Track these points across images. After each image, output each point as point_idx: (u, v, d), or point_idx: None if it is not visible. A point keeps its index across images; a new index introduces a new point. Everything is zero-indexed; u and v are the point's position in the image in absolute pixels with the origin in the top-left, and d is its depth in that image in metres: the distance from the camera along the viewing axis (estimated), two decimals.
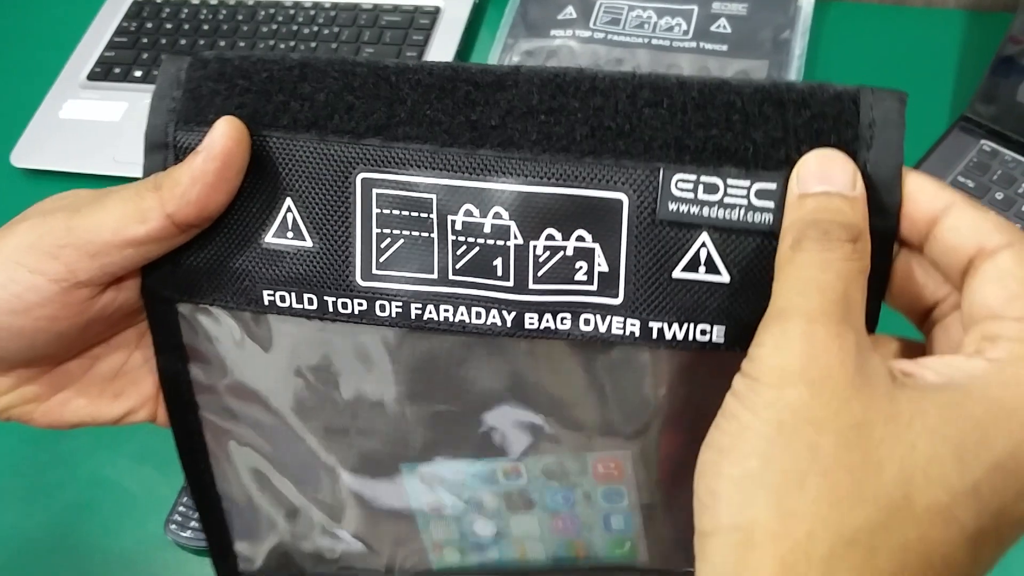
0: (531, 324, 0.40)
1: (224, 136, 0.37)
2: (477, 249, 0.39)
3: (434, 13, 1.07)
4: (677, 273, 0.38)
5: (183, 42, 1.10)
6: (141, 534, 0.79)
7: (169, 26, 1.12)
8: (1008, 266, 0.34)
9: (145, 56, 1.10)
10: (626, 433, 0.43)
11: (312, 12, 1.09)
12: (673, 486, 0.44)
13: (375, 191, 0.39)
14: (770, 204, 0.37)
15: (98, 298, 0.40)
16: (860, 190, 0.35)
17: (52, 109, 1.08)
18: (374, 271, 0.40)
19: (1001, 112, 0.88)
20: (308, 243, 0.40)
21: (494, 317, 0.40)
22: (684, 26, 1.00)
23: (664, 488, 0.44)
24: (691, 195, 0.37)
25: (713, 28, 0.99)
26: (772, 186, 0.37)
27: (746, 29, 0.99)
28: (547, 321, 0.40)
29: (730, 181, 0.37)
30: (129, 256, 0.38)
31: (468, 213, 0.39)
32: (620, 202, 0.38)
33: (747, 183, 0.37)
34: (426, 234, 0.39)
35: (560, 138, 0.38)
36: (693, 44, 0.99)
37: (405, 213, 0.39)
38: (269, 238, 0.40)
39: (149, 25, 1.12)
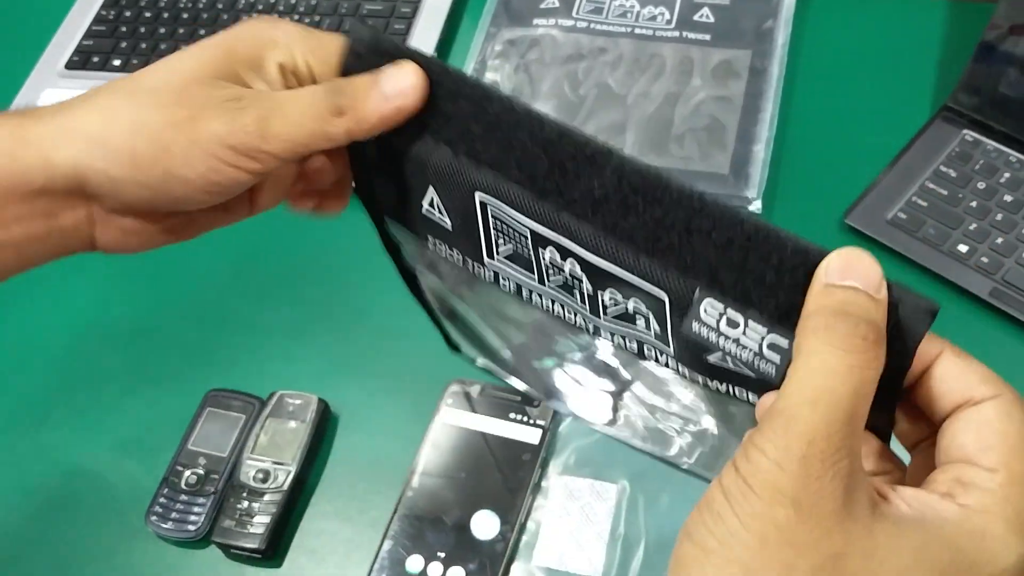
0: (606, 337, 0.46)
1: (414, 91, 0.43)
2: (561, 279, 0.45)
3: (416, 2, 1.07)
4: (710, 358, 0.42)
5: (162, 31, 1.09)
6: (122, 526, 0.78)
7: (148, 15, 1.11)
8: (988, 417, 0.35)
9: (124, 45, 1.09)
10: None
11: (293, 1, 1.08)
12: None
13: (489, 208, 0.45)
14: (777, 359, 0.39)
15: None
16: (884, 295, 0.35)
17: (30, 98, 1.07)
18: (492, 259, 0.47)
19: (983, 102, 0.88)
20: (448, 223, 0.47)
21: (580, 321, 0.47)
22: (667, 15, 1.00)
23: None
24: (714, 322, 0.40)
25: (696, 17, 0.99)
26: (784, 343, 0.38)
27: (729, 18, 0.99)
28: (618, 339, 0.46)
29: (750, 323, 0.39)
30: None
31: (552, 254, 0.44)
32: (662, 299, 0.42)
33: (764, 331, 0.39)
34: (527, 252, 0.45)
35: (625, 231, 0.41)
36: (676, 33, 0.99)
37: (511, 232, 0.45)
38: (425, 208, 0.48)
39: (128, 14, 1.11)
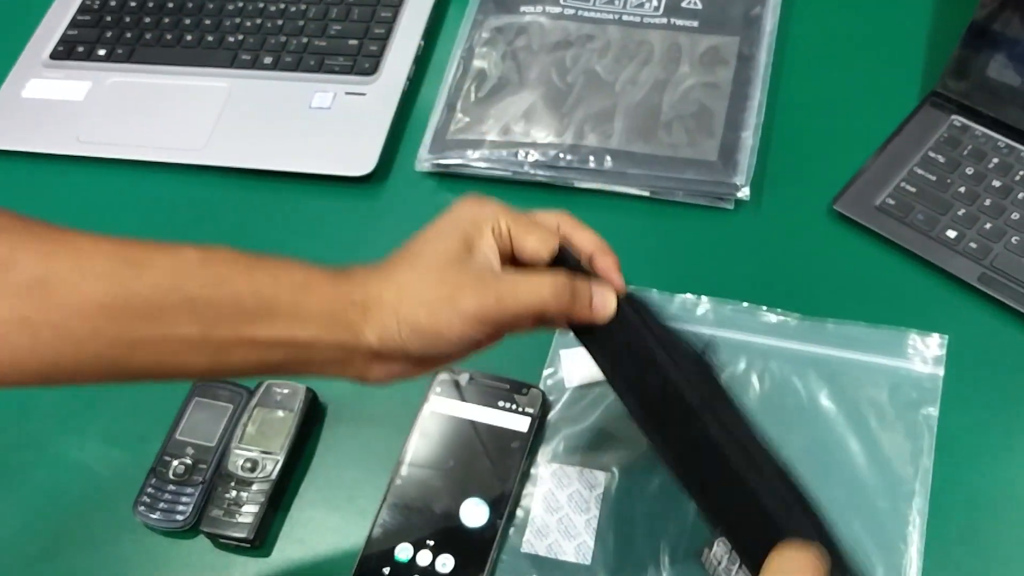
0: None
1: (607, 316, 0.60)
2: None
3: None
4: None
5: (147, 20, 1.08)
6: (110, 516, 0.78)
7: (133, 4, 1.10)
8: None
9: (109, 35, 1.08)
10: None
11: None
12: None
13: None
14: None
15: None
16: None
17: (15, 89, 1.06)
18: None
19: (972, 87, 0.88)
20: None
21: None
22: (655, 2, 1.00)
23: None
24: (718, 558, 0.61)
25: (684, 4, 0.99)
26: None
27: (717, 5, 0.99)
28: None
29: (743, 571, 0.56)
30: None
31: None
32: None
33: None
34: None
35: (689, 469, 0.57)
36: (664, 20, 0.99)
37: None
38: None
39: (112, 3, 1.11)
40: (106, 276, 0.52)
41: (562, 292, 0.58)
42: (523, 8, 1.02)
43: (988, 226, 0.82)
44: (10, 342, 0.51)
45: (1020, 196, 0.83)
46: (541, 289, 0.57)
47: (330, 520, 0.77)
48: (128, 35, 1.08)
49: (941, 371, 0.77)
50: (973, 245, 0.81)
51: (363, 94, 1.00)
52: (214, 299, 0.54)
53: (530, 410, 0.77)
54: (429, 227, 0.60)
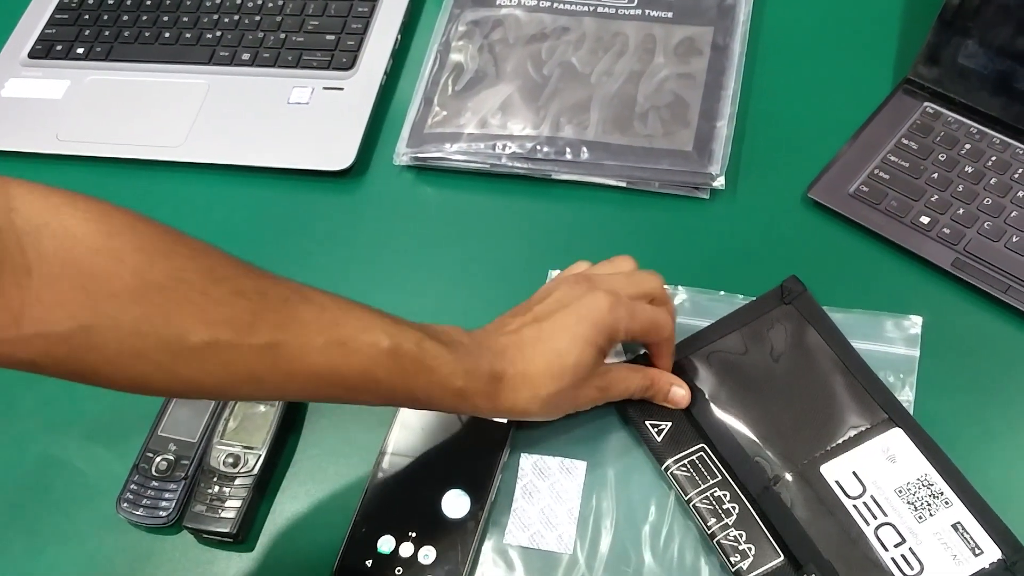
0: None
1: (681, 405, 0.77)
2: (720, 507, 0.73)
3: None
4: None
5: (125, 18, 1.08)
6: (93, 513, 0.78)
7: (111, 2, 1.10)
8: None
9: (87, 33, 1.08)
10: None
11: None
12: None
13: (699, 454, 0.75)
14: None
15: None
16: None
17: None
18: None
19: (944, 74, 0.89)
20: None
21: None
22: None
23: None
24: None
25: None
26: None
27: None
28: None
29: None
30: None
31: (722, 493, 0.73)
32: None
33: None
34: (712, 483, 0.74)
35: (764, 514, 0.71)
36: (639, 11, 0.99)
37: (705, 470, 0.75)
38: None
39: (90, 1, 1.11)
40: (324, 351, 0.62)
41: (646, 387, 0.76)
42: (499, 1, 1.02)
43: (961, 211, 0.83)
44: (239, 391, 0.63)
45: (992, 182, 0.84)
46: (631, 384, 0.75)
47: (313, 513, 0.77)
48: (106, 33, 1.08)
49: (916, 352, 0.77)
50: (946, 231, 0.82)
51: (341, 89, 1.00)
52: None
53: None
54: (575, 321, 0.71)
